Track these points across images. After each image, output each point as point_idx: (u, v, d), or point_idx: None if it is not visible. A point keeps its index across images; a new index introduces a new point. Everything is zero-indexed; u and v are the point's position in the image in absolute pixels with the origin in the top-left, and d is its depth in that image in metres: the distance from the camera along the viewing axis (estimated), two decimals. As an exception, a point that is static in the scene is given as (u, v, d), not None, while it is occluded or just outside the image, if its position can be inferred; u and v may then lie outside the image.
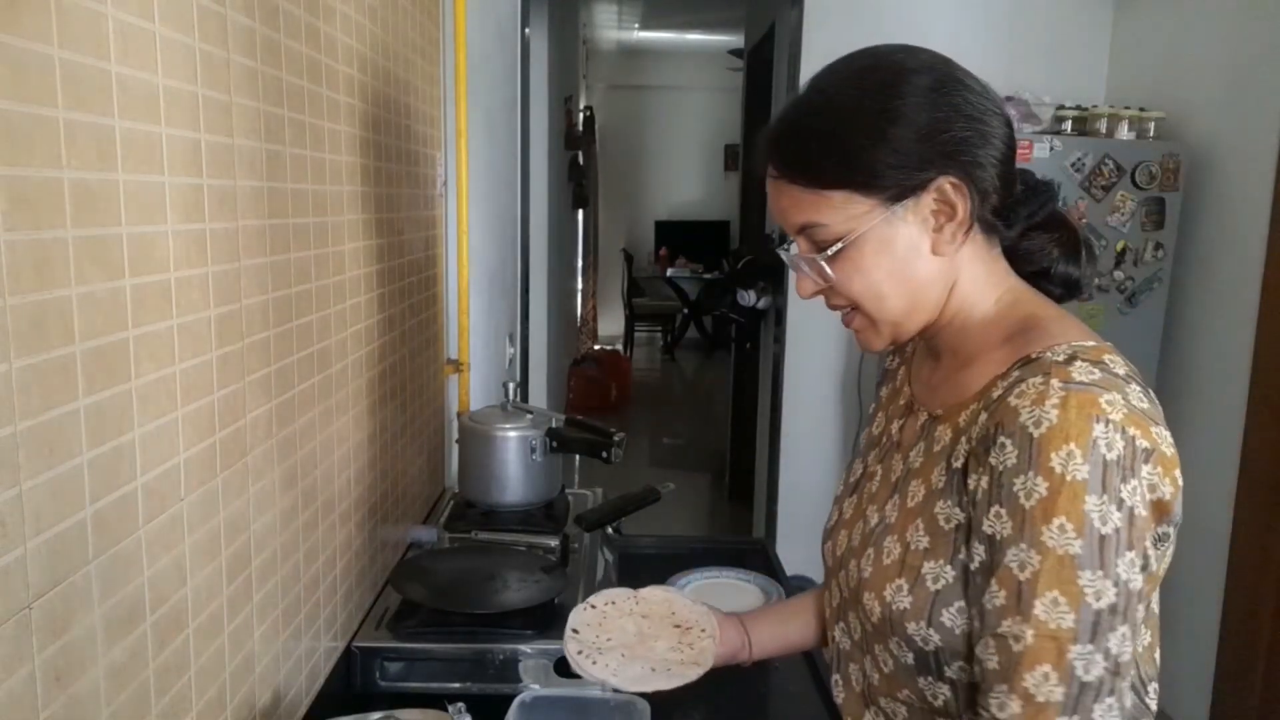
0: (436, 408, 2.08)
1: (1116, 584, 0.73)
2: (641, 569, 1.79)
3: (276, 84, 1.09)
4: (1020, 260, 0.93)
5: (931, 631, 0.83)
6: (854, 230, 0.85)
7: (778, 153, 0.88)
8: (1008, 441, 0.76)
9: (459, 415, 2.01)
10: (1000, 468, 0.76)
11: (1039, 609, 0.73)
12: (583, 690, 1.14)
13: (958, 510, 0.82)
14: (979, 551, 0.79)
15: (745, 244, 4.77)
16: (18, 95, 0.64)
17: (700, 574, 1.74)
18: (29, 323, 0.65)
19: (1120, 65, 3.26)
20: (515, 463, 1.78)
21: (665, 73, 9.02)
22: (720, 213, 8.93)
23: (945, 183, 0.83)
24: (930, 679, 0.85)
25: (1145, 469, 0.74)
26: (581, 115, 6.99)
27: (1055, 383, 0.76)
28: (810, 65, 3.10)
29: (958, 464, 0.83)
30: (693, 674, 1.02)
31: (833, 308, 0.93)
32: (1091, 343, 0.82)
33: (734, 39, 6.68)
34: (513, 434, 1.77)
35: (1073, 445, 0.73)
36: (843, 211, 0.85)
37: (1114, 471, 0.73)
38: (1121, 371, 0.79)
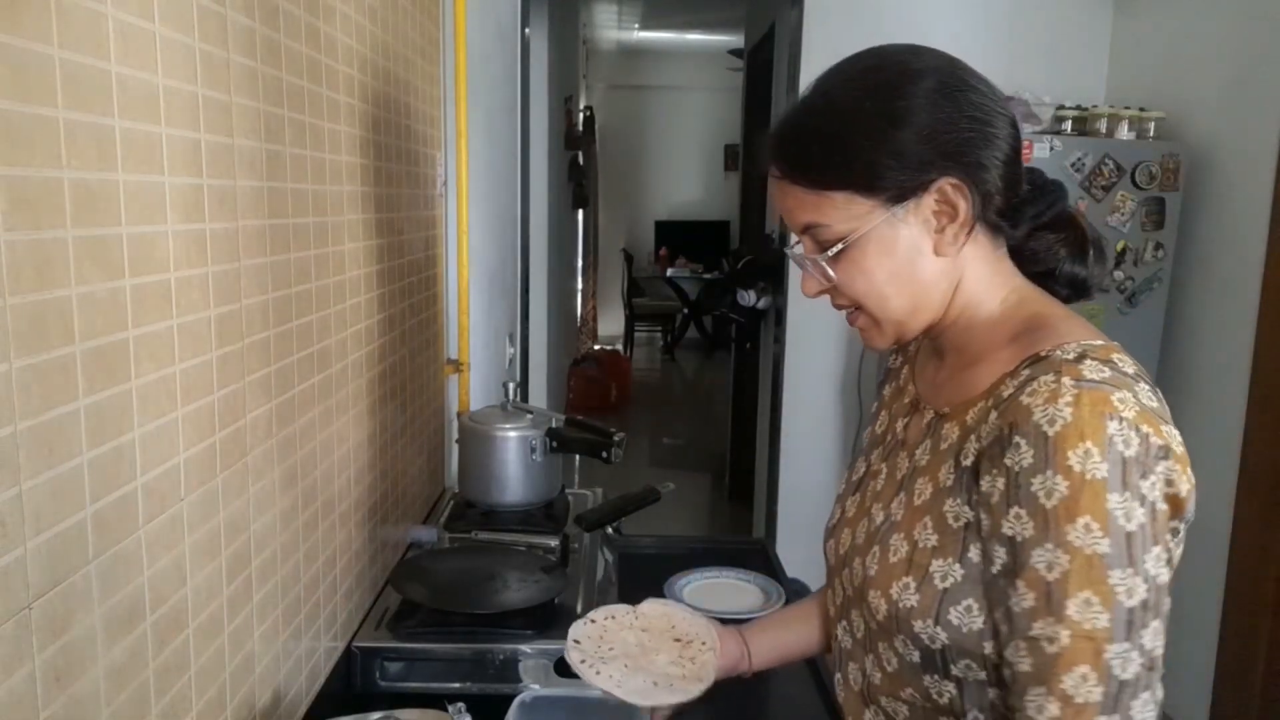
0: (436, 408, 2.08)
1: (1146, 580, 0.74)
2: (641, 569, 1.79)
3: (276, 84, 1.09)
4: (1027, 260, 0.93)
5: (939, 630, 0.83)
6: (855, 231, 0.85)
7: (781, 153, 0.89)
8: (1022, 441, 0.76)
9: (459, 415, 2.01)
10: (1016, 468, 0.76)
11: (1072, 610, 0.73)
12: (583, 690, 1.14)
13: (967, 509, 0.82)
14: (999, 554, 0.79)
15: (745, 244, 4.77)
16: (18, 95, 0.64)
17: (700, 574, 1.74)
18: (29, 323, 0.65)
19: (1120, 65, 3.26)
20: (515, 463, 1.78)
21: (665, 73, 9.02)
22: (720, 213, 8.93)
23: (946, 184, 0.83)
24: (936, 677, 0.85)
25: (1163, 465, 0.75)
26: (581, 115, 6.99)
27: (1067, 380, 0.76)
28: (810, 65, 3.12)
29: (967, 462, 0.83)
30: (695, 690, 1.03)
31: (837, 307, 0.93)
32: (1099, 341, 0.82)
33: (734, 39, 6.68)
34: (513, 434, 1.77)
35: (1089, 443, 0.73)
36: (844, 212, 0.85)
37: (1133, 468, 0.74)
38: (1130, 370, 0.79)
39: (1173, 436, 0.76)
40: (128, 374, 0.78)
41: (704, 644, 1.08)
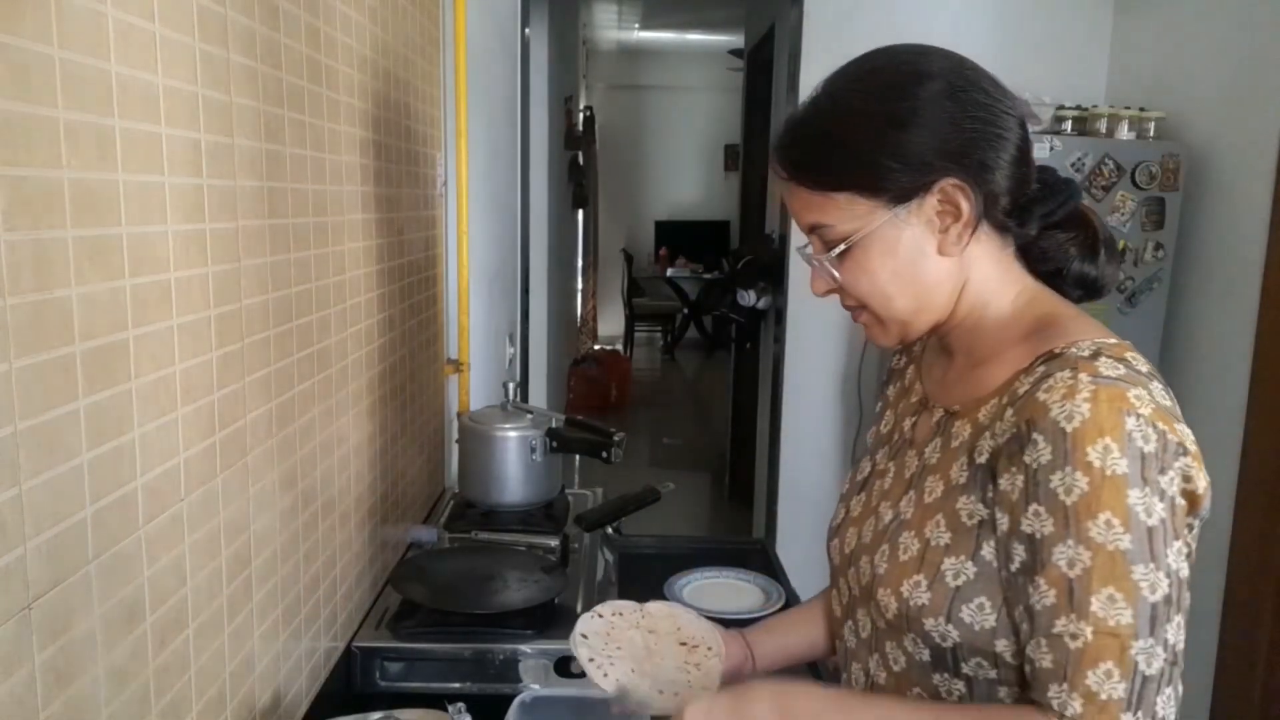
0: (436, 408, 2.08)
1: (1168, 574, 0.74)
2: (641, 569, 1.79)
3: (276, 84, 1.09)
4: (1036, 259, 0.92)
5: (950, 627, 0.83)
6: (859, 231, 0.86)
7: (786, 154, 0.90)
8: (1040, 438, 0.76)
9: (459, 415, 2.01)
10: (1035, 465, 0.77)
11: (1095, 606, 0.74)
12: (583, 690, 1.14)
13: (981, 506, 0.82)
14: (1018, 551, 0.79)
15: (745, 244, 4.77)
16: (18, 95, 0.64)
17: (700, 574, 1.74)
18: (29, 323, 0.65)
19: (1120, 65, 3.26)
20: (515, 463, 1.78)
21: (665, 73, 9.02)
22: (720, 213, 8.93)
23: (948, 184, 0.84)
24: (946, 676, 0.85)
25: (1181, 461, 0.75)
26: (581, 115, 6.99)
27: (1084, 377, 0.76)
28: (810, 65, 3.12)
29: (981, 459, 0.83)
30: (702, 699, 1.02)
31: (846, 307, 0.94)
32: (1113, 340, 0.82)
33: (734, 39, 6.68)
34: (513, 434, 1.77)
35: (1108, 439, 0.73)
36: (847, 212, 0.86)
37: (1152, 464, 0.74)
38: (1144, 369, 0.80)
39: (1186, 435, 0.77)
40: (128, 374, 0.78)
41: (710, 650, 1.07)
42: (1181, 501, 0.76)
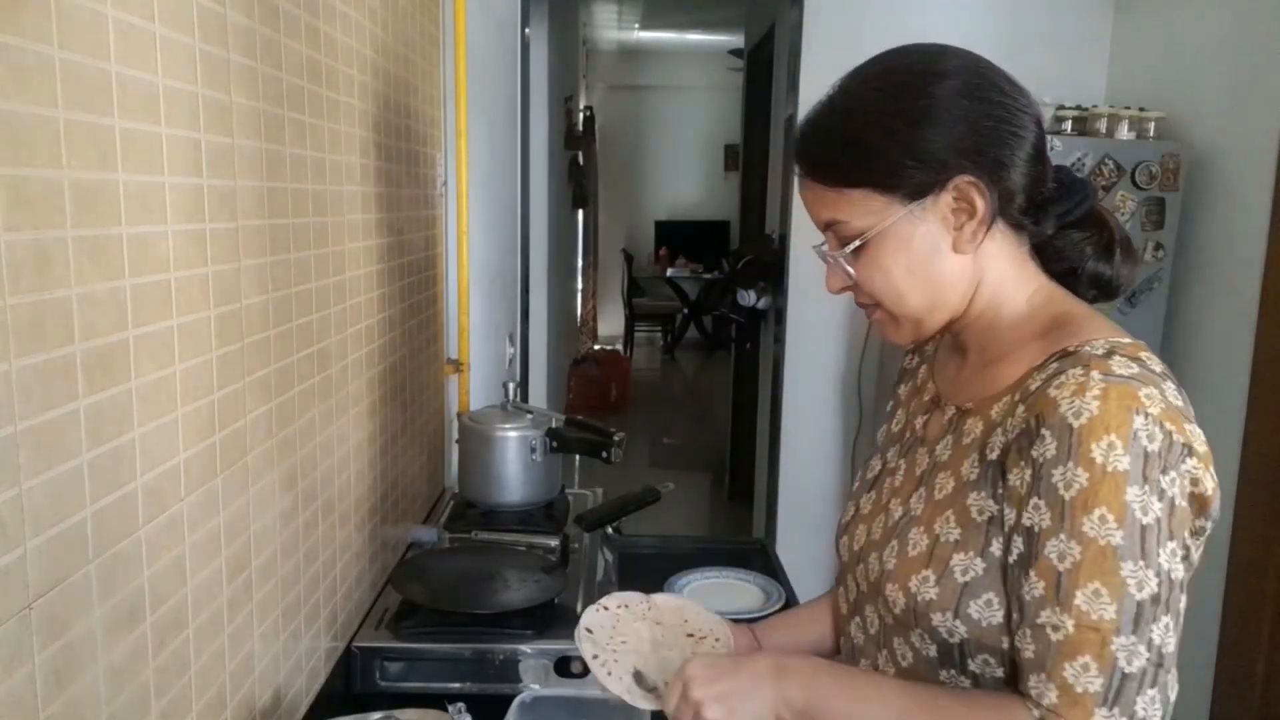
0: (436, 408, 2.08)
1: (1159, 574, 0.74)
2: (641, 569, 1.79)
3: (276, 84, 1.09)
4: (1051, 258, 0.93)
5: (958, 623, 0.83)
6: (873, 227, 0.86)
7: (803, 151, 0.90)
8: (1048, 433, 0.77)
9: (459, 415, 2.01)
10: (1040, 459, 0.77)
11: (1080, 600, 0.74)
12: (583, 690, 1.14)
13: (991, 503, 0.82)
14: (1017, 544, 0.79)
15: (745, 244, 4.77)
16: (18, 95, 0.64)
17: (700, 574, 1.74)
18: (29, 323, 0.65)
19: (1120, 65, 3.26)
20: (515, 463, 1.78)
21: (665, 73, 9.01)
22: (720, 213, 8.93)
23: (963, 181, 0.84)
24: (953, 672, 0.86)
25: (1187, 463, 0.75)
26: (581, 115, 6.98)
27: (1095, 375, 0.76)
28: (810, 65, 3.11)
29: (992, 455, 0.83)
30: None
31: (859, 304, 0.94)
32: (1127, 339, 0.82)
33: (734, 39, 6.68)
34: (513, 434, 1.77)
35: (1113, 436, 0.74)
36: (862, 208, 0.86)
37: (1154, 463, 0.74)
38: (1158, 369, 0.80)
39: (1196, 436, 0.77)
40: (128, 374, 0.78)
41: (717, 640, 1.07)
42: (1183, 503, 0.75)
